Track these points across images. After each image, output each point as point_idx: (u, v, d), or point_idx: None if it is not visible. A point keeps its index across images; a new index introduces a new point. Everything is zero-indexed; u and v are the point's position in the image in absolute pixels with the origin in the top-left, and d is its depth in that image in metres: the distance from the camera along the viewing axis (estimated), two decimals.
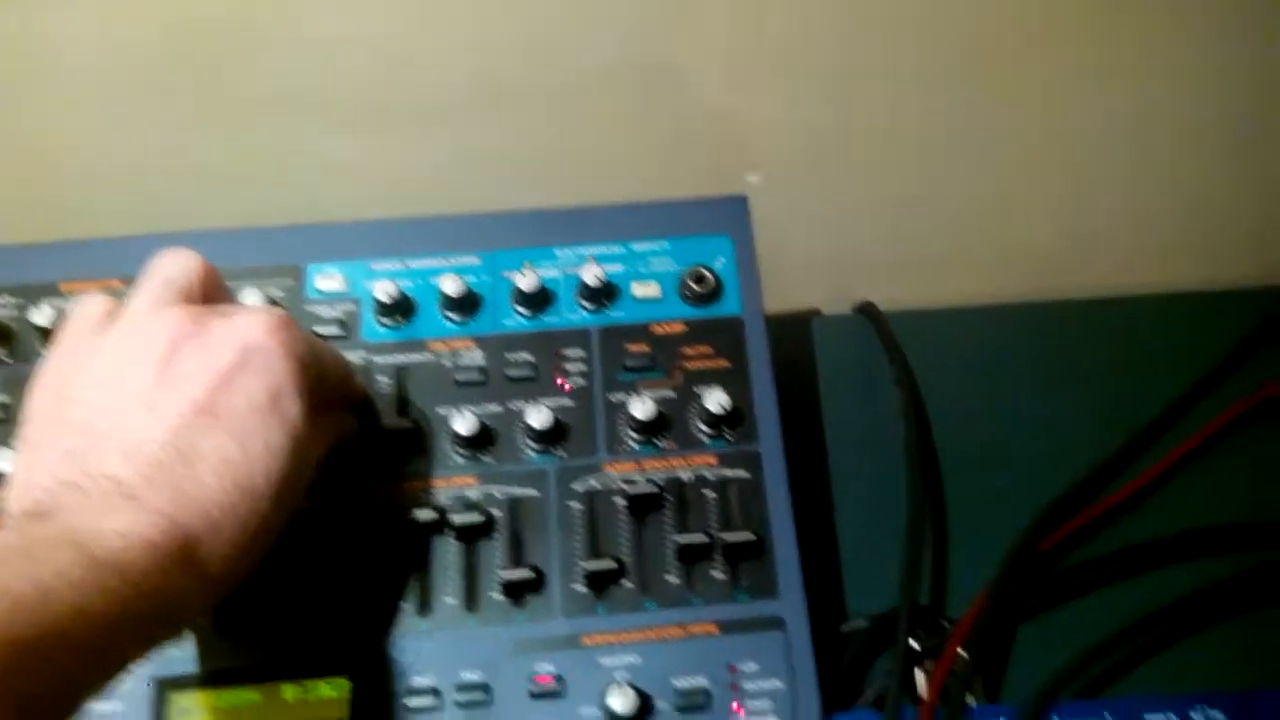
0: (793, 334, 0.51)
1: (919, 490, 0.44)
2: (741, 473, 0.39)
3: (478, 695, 0.35)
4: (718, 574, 0.37)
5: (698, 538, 0.37)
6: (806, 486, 0.46)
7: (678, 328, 0.42)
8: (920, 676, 0.39)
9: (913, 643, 0.39)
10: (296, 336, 0.33)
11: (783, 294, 0.54)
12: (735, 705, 0.35)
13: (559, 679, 0.35)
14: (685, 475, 0.39)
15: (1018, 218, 0.56)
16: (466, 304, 0.41)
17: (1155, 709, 0.34)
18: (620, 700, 0.34)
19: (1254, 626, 0.42)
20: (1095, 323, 0.51)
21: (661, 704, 0.35)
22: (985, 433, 0.48)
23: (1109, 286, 0.53)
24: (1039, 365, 0.50)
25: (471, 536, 0.37)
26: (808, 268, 0.55)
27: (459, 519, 0.37)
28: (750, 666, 0.36)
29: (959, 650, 0.38)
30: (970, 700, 0.38)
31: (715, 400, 0.39)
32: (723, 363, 0.41)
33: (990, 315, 0.52)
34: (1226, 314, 0.51)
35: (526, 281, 0.41)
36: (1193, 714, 0.34)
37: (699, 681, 0.36)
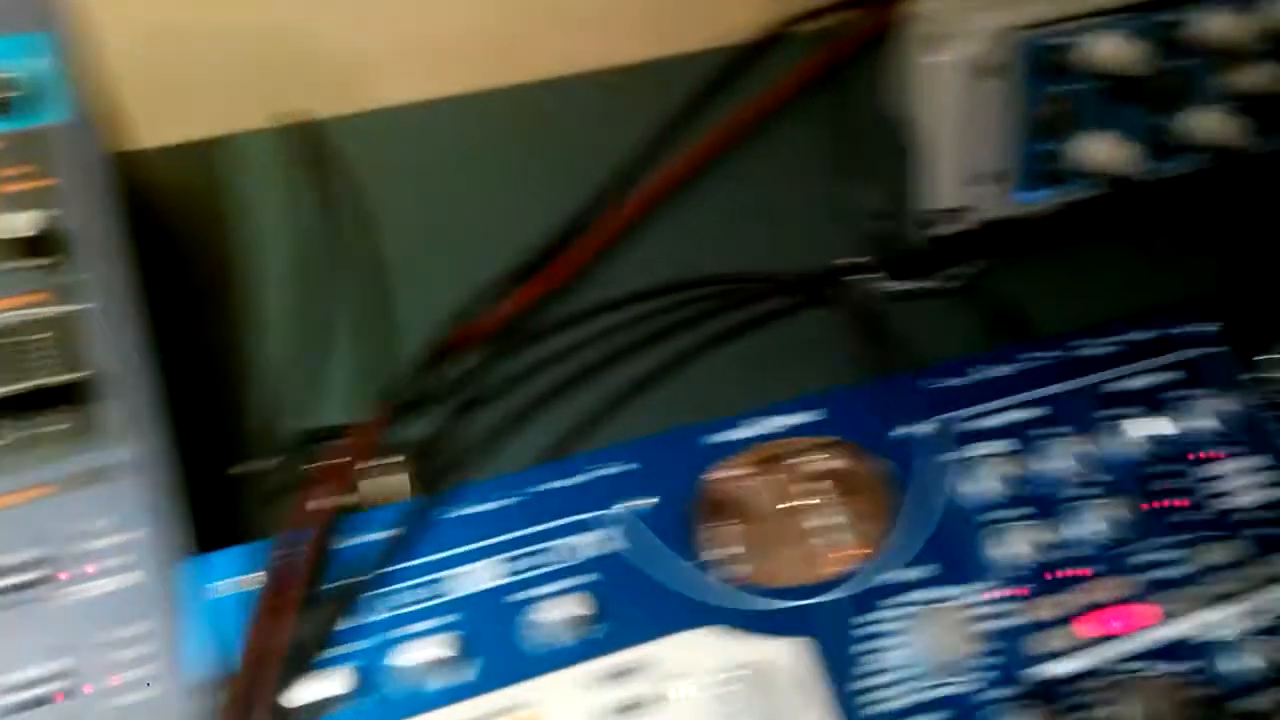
0: (206, 159, 0.46)
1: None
2: (67, 307, 0.33)
3: None
4: (41, 429, 0.31)
5: (4, 390, 0.31)
6: (206, 317, 0.41)
7: None
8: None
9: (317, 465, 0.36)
10: None
11: (199, 119, 0.47)
12: (85, 568, 0.30)
13: None
14: None
15: (458, 8, 0.52)
16: None
17: (547, 477, 0.33)
18: None
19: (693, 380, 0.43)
20: (540, 108, 0.49)
21: None
22: (433, 233, 0.45)
23: (553, 68, 0.51)
24: (484, 157, 0.48)
25: None
26: (220, 88, 0.48)
27: None
28: (94, 524, 0.31)
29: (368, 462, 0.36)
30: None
31: (16, 226, 0.32)
32: (42, 181, 0.34)
33: (435, 111, 0.49)
34: (669, 83, 0.50)
35: None
36: (582, 475, 0.33)
37: (27, 554, 0.30)
